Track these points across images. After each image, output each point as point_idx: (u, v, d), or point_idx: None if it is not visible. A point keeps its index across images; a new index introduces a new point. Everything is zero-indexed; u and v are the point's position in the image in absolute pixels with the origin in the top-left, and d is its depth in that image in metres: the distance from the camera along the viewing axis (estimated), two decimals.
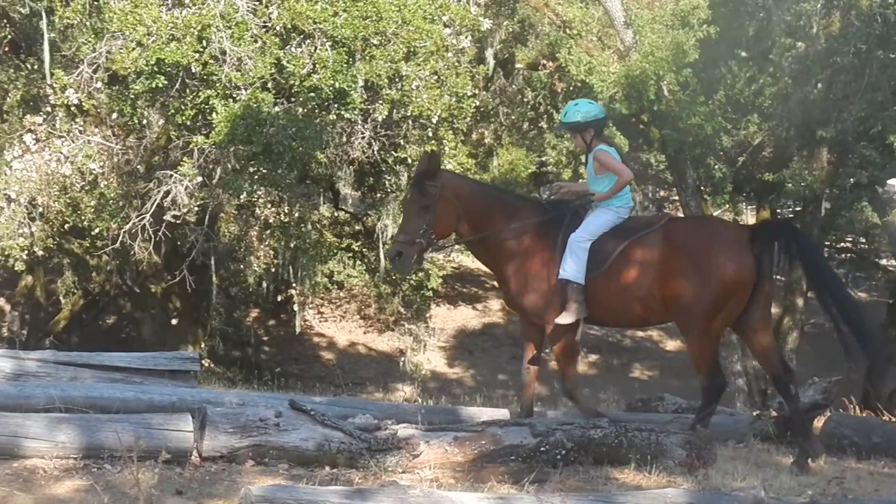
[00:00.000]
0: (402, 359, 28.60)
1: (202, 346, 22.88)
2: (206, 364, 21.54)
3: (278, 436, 8.18)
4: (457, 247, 12.63)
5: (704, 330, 9.96)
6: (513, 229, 10.24)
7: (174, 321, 24.49)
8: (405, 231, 10.30)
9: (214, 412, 8.20)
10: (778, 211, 27.08)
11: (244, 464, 8.08)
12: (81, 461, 7.79)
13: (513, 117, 27.31)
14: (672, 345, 31.29)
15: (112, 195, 18.09)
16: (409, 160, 17.90)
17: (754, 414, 12.04)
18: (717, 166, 23.90)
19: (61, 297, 24.91)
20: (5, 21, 19.04)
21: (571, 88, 22.44)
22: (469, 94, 17.75)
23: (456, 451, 8.46)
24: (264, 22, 16.02)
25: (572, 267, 9.90)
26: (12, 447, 7.72)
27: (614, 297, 10.05)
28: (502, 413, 11.33)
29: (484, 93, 22.63)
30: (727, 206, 27.65)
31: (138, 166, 18.57)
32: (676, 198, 24.48)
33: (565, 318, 9.96)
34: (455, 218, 10.23)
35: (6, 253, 17.73)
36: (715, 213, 24.40)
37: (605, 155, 10.30)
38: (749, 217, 31.38)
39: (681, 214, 22.29)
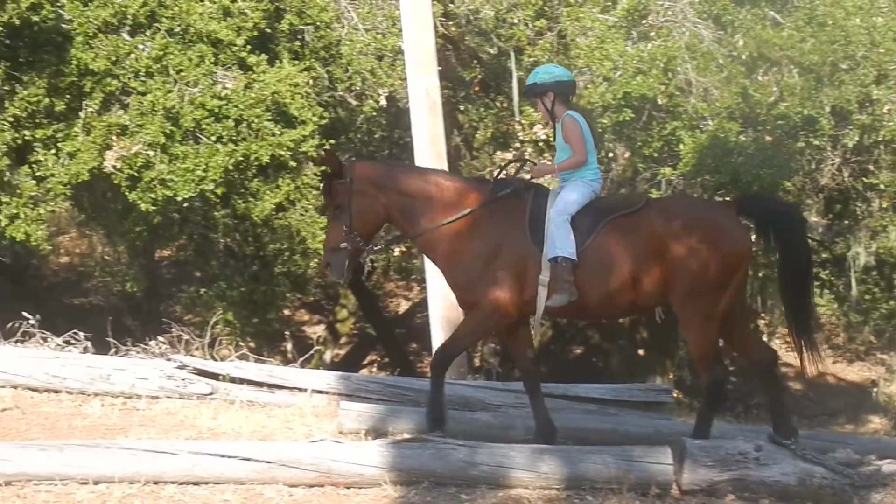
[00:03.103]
0: (874, 390, 27.55)
1: (670, 376, 22.84)
2: (675, 395, 21.51)
3: (758, 470, 8.09)
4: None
5: (710, 315, 9.00)
6: (469, 212, 9.26)
7: (641, 352, 24.60)
8: (327, 240, 9.63)
9: (693, 445, 8.20)
10: None
11: (723, 498, 8.04)
12: (563, 492, 7.95)
13: None
14: None
15: None
16: (882, 186, 17.27)
17: None
18: None
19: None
20: (475, 61, 19.74)
21: None
22: None
23: None
24: (729, 51, 15.91)
25: (562, 243, 8.96)
26: (498, 477, 7.98)
27: (599, 277, 9.04)
28: None
29: None
30: None
31: None
32: None
33: (558, 300, 8.99)
34: (379, 209, 9.38)
35: None
36: None
37: (572, 123, 9.40)
38: None
39: None
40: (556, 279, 8.98)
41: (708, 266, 8.91)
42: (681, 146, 15.77)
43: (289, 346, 24.41)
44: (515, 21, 17.13)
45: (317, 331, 27.76)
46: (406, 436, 9.01)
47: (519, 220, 9.22)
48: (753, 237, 10.09)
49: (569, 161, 9.44)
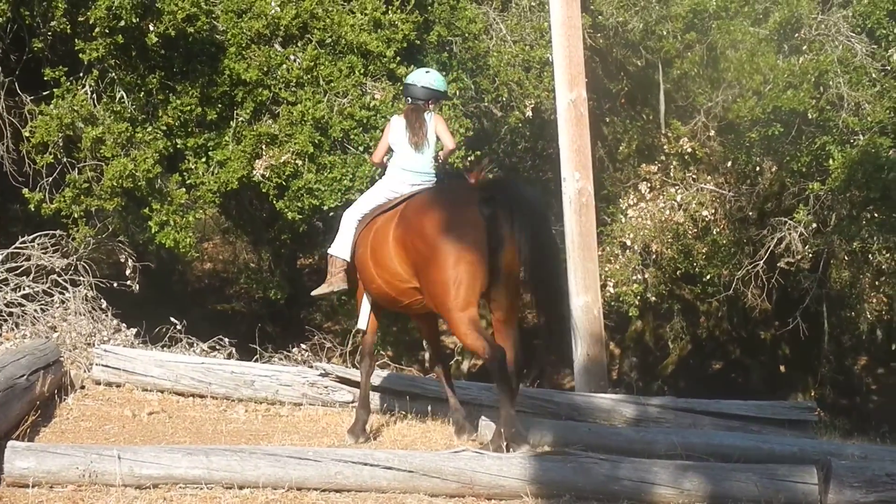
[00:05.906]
0: None
1: (812, 394, 22.51)
2: (817, 413, 21.16)
3: None
4: None
5: (450, 307, 8.59)
6: None
7: (782, 368, 24.27)
8: None
9: (839, 465, 8.02)
10: None
11: None
12: None
13: None
14: None
15: (724, 242, 18.27)
16: None
17: None
18: None
19: (669, 342, 25.31)
20: (622, 73, 19.69)
21: None
22: None
23: None
24: (883, 65, 15.66)
25: (336, 241, 9.92)
26: (639, 492, 7.88)
27: (364, 275, 9.67)
28: None
29: None
30: None
31: (750, 213, 18.64)
32: None
33: (318, 290, 10.10)
34: None
35: (621, 298, 18.27)
36: None
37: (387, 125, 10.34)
38: None
39: None
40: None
41: (427, 261, 8.70)
42: (830, 161, 15.56)
43: (426, 355, 24.52)
44: (664, 33, 17.04)
45: (455, 340, 27.85)
46: (547, 448, 8.97)
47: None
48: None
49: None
